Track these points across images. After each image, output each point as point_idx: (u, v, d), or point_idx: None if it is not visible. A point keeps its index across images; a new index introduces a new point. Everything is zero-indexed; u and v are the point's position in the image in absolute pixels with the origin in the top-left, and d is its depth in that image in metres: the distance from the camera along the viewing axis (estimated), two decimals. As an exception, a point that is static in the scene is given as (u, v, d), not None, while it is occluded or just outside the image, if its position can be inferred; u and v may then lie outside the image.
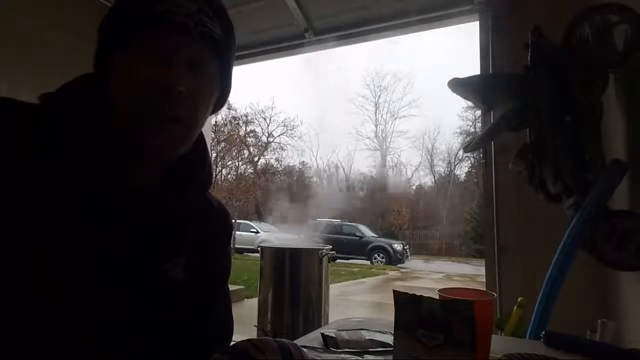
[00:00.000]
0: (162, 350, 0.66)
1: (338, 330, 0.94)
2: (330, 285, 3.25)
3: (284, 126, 22.71)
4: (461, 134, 22.52)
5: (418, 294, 0.60)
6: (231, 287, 1.31)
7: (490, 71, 2.11)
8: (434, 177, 24.44)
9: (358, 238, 14.08)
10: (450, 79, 1.59)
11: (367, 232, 14.73)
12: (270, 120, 22.66)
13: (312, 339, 0.90)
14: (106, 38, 0.64)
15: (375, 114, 24.48)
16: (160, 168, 0.68)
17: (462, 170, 23.81)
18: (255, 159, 22.69)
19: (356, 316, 1.13)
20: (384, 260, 13.36)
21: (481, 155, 2.15)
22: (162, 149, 0.63)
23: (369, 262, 13.29)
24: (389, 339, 0.87)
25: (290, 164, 24.07)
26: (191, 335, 0.70)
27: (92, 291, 0.58)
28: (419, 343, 0.58)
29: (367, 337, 0.89)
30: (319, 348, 0.85)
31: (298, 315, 2.88)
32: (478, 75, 1.99)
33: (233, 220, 1.10)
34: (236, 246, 12.51)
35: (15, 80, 2.16)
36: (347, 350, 0.83)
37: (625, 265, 1.31)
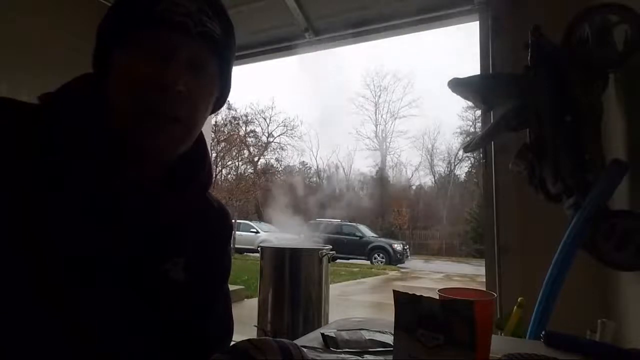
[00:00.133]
0: (162, 350, 0.66)
1: (338, 330, 0.94)
2: (330, 285, 3.25)
3: (284, 126, 22.76)
4: (461, 134, 22.55)
5: (418, 294, 0.60)
6: (231, 287, 1.31)
7: (490, 71, 2.11)
8: (434, 177, 24.48)
9: (358, 238, 14.08)
10: (450, 79, 1.59)
11: (367, 232, 14.73)
12: (270, 120, 22.70)
13: (312, 339, 0.90)
14: (105, 38, 0.64)
15: (375, 114, 24.52)
16: (160, 168, 0.68)
17: (462, 170, 23.85)
18: (255, 159, 22.71)
19: (356, 316, 1.13)
20: (384, 260, 13.36)
21: (481, 155, 2.15)
22: (162, 149, 0.63)
23: (369, 262, 13.29)
24: (389, 339, 0.87)
25: (290, 164, 24.10)
26: (191, 335, 0.70)
27: (92, 291, 0.58)
28: (419, 343, 0.58)
29: (367, 337, 0.89)
30: (319, 348, 0.85)
31: (298, 315, 2.88)
32: (478, 75, 1.99)
33: (233, 220, 1.10)
34: (236, 246, 12.51)
35: (15, 80, 2.16)
36: (347, 350, 0.83)
37: (625, 265, 1.31)
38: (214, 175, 0.83)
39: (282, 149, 23.14)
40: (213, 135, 18.54)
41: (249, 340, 0.60)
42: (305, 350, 0.64)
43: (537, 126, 1.42)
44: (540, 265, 1.34)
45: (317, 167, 24.81)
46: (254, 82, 23.27)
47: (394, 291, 0.62)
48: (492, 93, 1.62)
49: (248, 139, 22.52)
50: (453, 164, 23.65)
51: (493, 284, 2.00)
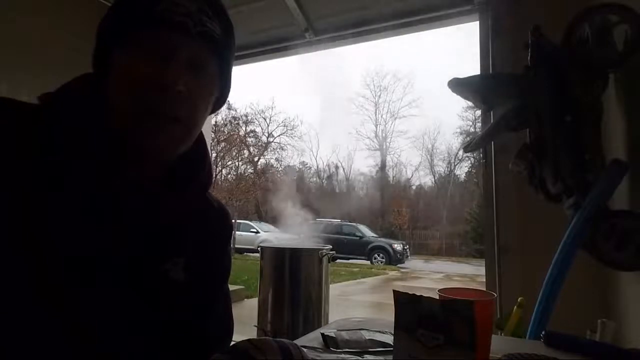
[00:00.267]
0: (162, 350, 0.66)
1: (338, 330, 0.94)
2: (330, 285, 3.25)
3: (284, 126, 22.76)
4: (461, 134, 22.55)
5: (418, 294, 0.60)
6: (231, 287, 1.31)
7: (490, 71, 2.11)
8: (434, 177, 24.48)
9: (358, 238, 14.08)
10: (450, 79, 1.59)
11: (367, 232, 14.73)
12: (270, 120, 22.70)
13: (312, 339, 0.90)
14: (105, 38, 0.64)
15: (375, 114, 24.51)
16: (160, 168, 0.68)
17: (462, 170, 23.86)
18: (255, 159, 22.71)
19: (356, 316, 1.13)
20: (384, 260, 13.36)
21: (481, 155, 2.15)
22: (162, 149, 0.63)
23: (369, 262, 13.29)
24: (389, 339, 0.87)
25: (290, 164, 24.11)
26: (191, 335, 0.70)
27: (92, 291, 0.58)
28: (419, 343, 0.58)
29: (367, 337, 0.89)
30: (319, 348, 0.85)
31: (298, 315, 2.88)
32: (478, 75, 1.99)
33: (233, 220, 1.10)
34: (236, 246, 12.51)
35: (15, 80, 2.16)
36: (347, 350, 0.83)
37: (625, 265, 1.31)
38: (214, 175, 0.83)
39: (282, 149, 23.17)
40: (213, 135, 18.54)
41: (249, 340, 0.60)
42: (305, 350, 0.64)
43: (537, 126, 1.42)
44: (540, 265, 1.34)
45: (317, 167, 24.83)
46: (254, 82, 23.29)
47: (394, 291, 0.62)
48: (492, 93, 1.62)
49: (248, 139, 22.54)
50: (453, 164, 23.67)
51: (493, 284, 2.00)
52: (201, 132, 0.71)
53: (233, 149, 21.85)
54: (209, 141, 3.14)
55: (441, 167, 24.44)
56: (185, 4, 0.61)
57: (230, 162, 22.16)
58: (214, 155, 18.78)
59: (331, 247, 3.25)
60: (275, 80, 35.87)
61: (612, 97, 1.47)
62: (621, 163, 1.29)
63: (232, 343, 0.63)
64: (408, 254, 14.55)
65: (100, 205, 0.59)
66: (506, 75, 1.72)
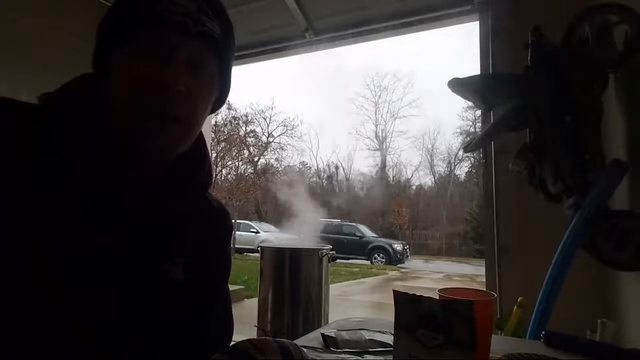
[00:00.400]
0: (162, 350, 0.66)
1: (338, 330, 0.94)
2: (330, 285, 3.25)
3: (284, 126, 22.75)
4: (461, 134, 22.55)
5: (418, 294, 0.60)
6: (231, 287, 1.31)
7: (490, 71, 2.11)
8: (434, 177, 24.48)
9: (358, 238, 14.08)
10: (450, 79, 1.59)
11: (367, 232, 14.73)
12: (270, 120, 22.69)
13: (312, 339, 0.90)
14: (105, 38, 0.64)
15: (375, 114, 24.52)
16: (160, 168, 0.68)
17: (462, 170, 23.85)
18: (255, 159, 22.71)
19: (356, 316, 1.13)
20: (384, 260, 13.36)
21: (481, 155, 2.15)
22: (162, 149, 0.63)
23: (369, 262, 13.29)
24: (389, 339, 0.87)
25: (291, 164, 24.11)
26: (191, 335, 0.70)
27: (92, 291, 0.58)
28: (419, 343, 0.58)
29: (367, 337, 0.89)
30: (319, 348, 0.85)
31: (298, 315, 2.88)
32: (478, 75, 1.99)
33: (233, 220, 1.10)
34: (236, 246, 12.51)
35: (15, 80, 2.16)
36: (347, 350, 0.83)
37: (625, 265, 1.31)
38: (214, 175, 0.83)
39: (282, 149, 23.16)
40: (213, 135, 18.53)
41: (249, 340, 0.60)
42: (305, 350, 0.64)
43: (537, 126, 1.42)
44: (540, 265, 1.34)
45: (317, 167, 24.84)
46: (254, 82, 23.29)
47: (394, 291, 0.62)
48: (492, 93, 1.62)
49: (248, 139, 22.53)
50: (453, 164, 23.67)
51: (493, 284, 2.00)
52: (201, 132, 0.71)
53: (233, 149, 21.85)
54: (209, 141, 3.15)
55: (441, 167, 24.47)
56: (184, 4, 0.61)
57: (230, 162, 22.17)
58: (214, 155, 18.77)
59: (331, 247, 3.25)
60: (275, 80, 35.91)
61: (612, 97, 1.47)
62: (621, 163, 1.29)
63: (232, 343, 0.63)
64: (408, 254, 14.54)
65: (100, 205, 0.59)
66: (506, 75, 1.72)
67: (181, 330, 0.68)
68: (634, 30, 1.27)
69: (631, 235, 1.25)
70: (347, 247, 13.13)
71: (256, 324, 2.97)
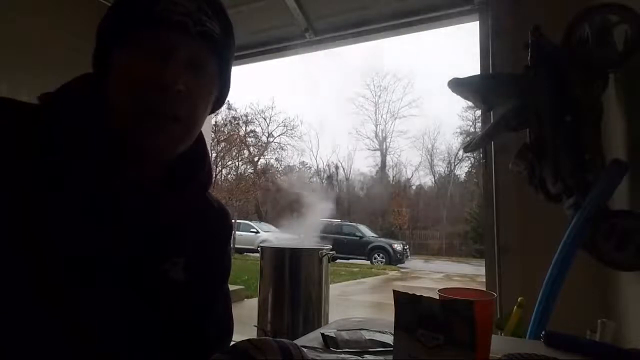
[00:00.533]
0: (162, 350, 0.66)
1: (338, 330, 0.94)
2: (330, 285, 3.25)
3: (284, 126, 22.75)
4: (461, 134, 22.56)
5: (418, 294, 0.60)
6: (231, 287, 1.31)
7: (490, 71, 2.11)
8: (434, 177, 24.48)
9: (358, 238, 14.08)
10: (450, 79, 1.59)
11: (367, 232, 14.73)
12: (270, 120, 22.69)
13: (312, 339, 0.90)
14: (105, 38, 0.64)
15: (375, 114, 24.53)
16: (160, 168, 0.68)
17: (462, 170, 23.86)
18: (255, 159, 22.70)
19: (356, 316, 1.13)
20: (384, 260, 13.36)
21: (481, 155, 2.15)
22: (161, 149, 0.63)
23: (369, 262, 13.29)
24: (389, 339, 0.87)
25: (290, 164, 24.11)
26: (191, 335, 0.70)
27: (92, 291, 0.58)
28: (419, 343, 0.58)
29: (367, 337, 0.89)
30: (319, 348, 0.85)
31: (298, 315, 2.88)
32: (478, 75, 1.99)
33: (233, 220, 1.10)
34: (236, 246, 12.51)
35: (15, 80, 2.16)
36: (347, 350, 0.83)
37: (625, 265, 1.31)
38: (213, 175, 0.83)
39: (282, 149, 23.15)
40: (213, 135, 18.52)
41: (249, 340, 0.60)
42: (305, 350, 0.64)
43: (537, 126, 1.42)
44: (540, 265, 1.34)
45: (317, 167, 24.84)
46: (254, 82, 23.29)
47: (394, 291, 0.62)
48: (492, 93, 1.62)
49: (248, 139, 22.52)
50: (453, 164, 23.67)
51: (493, 284, 2.00)
52: (201, 132, 0.71)
53: (233, 149, 21.84)
54: (209, 141, 3.15)
55: (441, 167, 24.47)
56: (184, 4, 0.61)
57: (230, 162, 22.16)
58: (214, 155, 18.76)
59: (331, 247, 3.25)
60: (275, 80, 35.92)
61: (612, 97, 1.47)
62: (621, 163, 1.29)
63: (232, 343, 0.63)
64: (408, 254, 14.54)
65: (100, 205, 0.59)
66: (506, 75, 1.72)
67: (181, 330, 0.68)
68: (634, 30, 1.27)
69: (631, 235, 1.25)
70: (347, 247, 13.12)
71: (256, 324, 2.97)
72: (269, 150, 23.04)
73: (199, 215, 0.74)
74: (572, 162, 1.34)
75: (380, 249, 13.68)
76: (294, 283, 2.91)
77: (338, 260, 11.55)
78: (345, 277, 9.60)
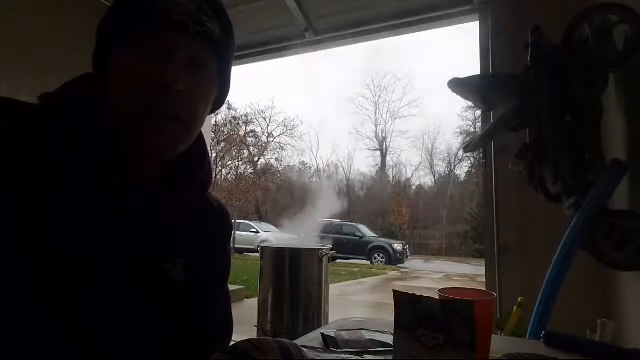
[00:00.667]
0: (162, 350, 0.66)
1: (338, 330, 0.94)
2: (330, 285, 3.25)
3: (284, 126, 22.75)
4: (461, 134, 22.57)
5: (418, 294, 0.60)
6: (231, 287, 1.31)
7: (490, 71, 2.11)
8: (434, 177, 24.49)
9: (358, 238, 14.08)
10: (450, 79, 1.59)
11: (367, 232, 14.73)
12: (270, 120, 22.69)
13: (312, 339, 0.90)
14: (105, 38, 0.64)
15: (375, 114, 24.54)
16: (160, 168, 0.68)
17: (462, 170, 23.87)
18: (255, 159, 22.69)
19: (356, 316, 1.13)
20: (384, 260, 13.36)
21: (481, 155, 2.15)
22: (161, 149, 0.63)
23: (369, 262, 13.29)
24: (389, 339, 0.87)
25: (290, 164, 24.12)
26: (191, 335, 0.70)
27: (92, 291, 0.58)
28: (419, 343, 0.58)
29: (367, 337, 0.89)
30: (319, 348, 0.85)
31: (298, 315, 2.88)
32: (478, 75, 1.99)
33: (233, 220, 1.10)
34: (236, 246, 12.51)
35: (15, 80, 2.16)
36: (347, 350, 0.83)
37: (625, 265, 1.31)
38: (213, 175, 0.83)
39: (282, 149, 23.15)
40: (213, 135, 18.50)
41: (249, 340, 0.60)
42: (305, 350, 0.64)
43: (537, 126, 1.42)
44: (540, 265, 1.34)
45: (317, 167, 24.84)
46: (254, 82, 23.30)
47: (394, 291, 0.62)
48: (492, 93, 1.62)
49: (248, 139, 22.51)
50: (453, 164, 23.68)
51: (493, 284, 2.00)
52: (201, 132, 0.71)
53: (233, 149, 21.83)
54: (209, 141, 3.15)
55: (441, 167, 24.48)
56: (184, 4, 0.61)
57: (230, 162, 22.15)
58: (214, 155, 18.75)
59: (331, 247, 3.25)
60: (275, 80, 35.92)
61: (612, 97, 1.47)
62: (621, 163, 1.29)
63: (232, 343, 0.63)
64: (408, 254, 14.54)
65: (100, 205, 0.59)
66: (506, 75, 1.72)
67: (181, 330, 0.68)
68: (634, 30, 1.27)
69: (631, 235, 1.25)
70: (347, 247, 13.12)
71: (256, 324, 2.97)
72: (269, 150, 23.06)
73: (199, 215, 0.74)
74: (572, 162, 1.34)
75: (380, 249, 13.68)
76: (294, 283, 2.91)
77: (338, 260, 11.55)
78: (345, 277, 9.60)
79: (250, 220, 16.51)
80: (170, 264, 0.66)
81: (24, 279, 0.54)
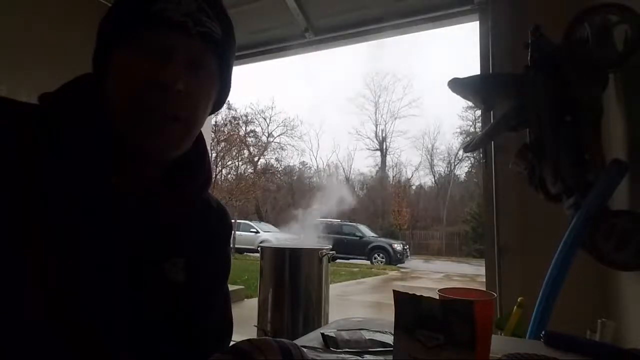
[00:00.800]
0: (162, 350, 0.66)
1: (338, 330, 0.94)
2: (330, 285, 3.25)
3: (284, 126, 22.77)
4: (461, 134, 22.59)
5: (418, 294, 0.60)
6: (231, 287, 1.31)
7: (490, 71, 2.11)
8: (434, 177, 24.51)
9: (358, 238, 14.08)
10: (450, 79, 1.59)
11: (367, 232, 14.72)
12: (270, 120, 22.71)
13: (312, 339, 0.90)
14: (105, 38, 0.64)
15: (375, 114, 24.56)
16: (160, 168, 0.68)
17: (462, 170, 23.89)
18: (255, 159, 22.69)
19: (356, 316, 1.13)
20: (384, 260, 13.36)
21: (481, 155, 2.15)
22: (161, 149, 0.63)
23: (369, 262, 13.29)
24: (389, 339, 0.87)
25: (290, 164, 24.12)
26: (191, 335, 0.70)
27: (92, 291, 0.58)
28: (419, 343, 0.58)
29: (367, 337, 0.89)
30: (319, 348, 0.85)
31: (298, 315, 2.88)
32: (478, 75, 1.99)
33: (233, 220, 1.10)
34: (236, 246, 12.51)
35: (15, 80, 2.16)
36: (347, 350, 0.83)
37: (625, 265, 1.31)
38: (213, 175, 0.83)
39: (282, 149, 23.17)
40: (213, 135, 18.47)
41: (249, 340, 0.60)
42: (305, 350, 0.64)
43: (537, 126, 1.42)
44: (540, 265, 1.34)
45: (317, 167, 24.84)
46: (254, 82, 23.28)
47: (394, 291, 0.62)
48: (492, 93, 1.62)
49: (248, 139, 22.50)
50: (453, 164, 23.70)
51: (493, 284, 2.00)
52: (200, 132, 0.71)
53: (233, 149, 21.80)
54: (208, 141, 3.15)
55: (441, 167, 24.50)
56: (185, 4, 0.61)
57: (230, 162, 22.12)
58: (214, 155, 18.73)
59: (331, 247, 3.25)
60: (275, 80, 35.92)
61: (612, 97, 1.47)
62: (621, 163, 1.29)
63: (232, 343, 0.63)
64: (408, 254, 14.54)
65: (100, 205, 0.59)
66: (506, 75, 1.72)
67: (181, 330, 0.68)
68: (634, 30, 1.27)
69: (631, 235, 1.25)
70: (347, 247, 13.12)
71: (256, 324, 2.97)
72: (269, 150, 23.06)
73: (198, 215, 0.74)
74: (572, 162, 1.34)
75: (380, 248, 13.68)
76: (294, 283, 2.91)
77: (338, 260, 11.55)
78: (345, 277, 9.60)
79: (250, 220, 16.51)
80: (170, 264, 0.66)
81: (23, 279, 0.54)
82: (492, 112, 1.82)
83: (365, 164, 30.73)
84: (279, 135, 22.90)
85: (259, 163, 22.67)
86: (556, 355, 0.74)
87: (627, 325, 1.43)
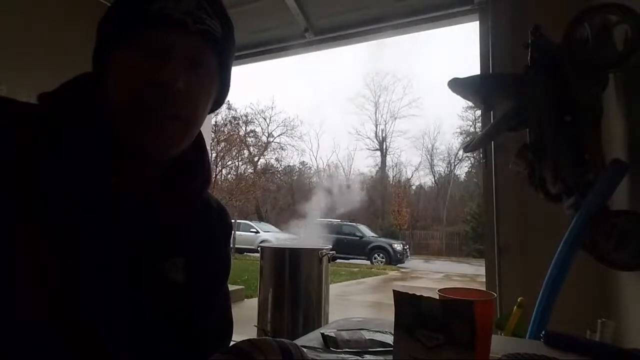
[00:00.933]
0: (162, 350, 0.66)
1: (338, 330, 0.94)
2: (330, 285, 3.25)
3: (284, 126, 22.76)
4: (461, 134, 22.58)
5: (418, 294, 0.60)
6: (231, 287, 1.31)
7: (490, 71, 2.11)
8: (434, 177, 24.50)
9: (358, 238, 14.08)
10: (450, 79, 1.59)
11: (367, 232, 14.72)
12: (270, 120, 22.70)
13: (312, 339, 0.90)
14: (105, 37, 0.64)
15: (375, 114, 24.54)
16: (159, 168, 0.68)
17: (462, 170, 23.89)
18: (255, 159, 22.68)
19: (356, 316, 1.13)
20: (384, 260, 13.36)
21: (481, 155, 2.15)
22: (161, 148, 0.63)
23: (369, 262, 13.29)
24: (389, 339, 0.87)
25: (291, 164, 24.12)
26: (191, 335, 0.70)
27: (92, 291, 0.58)
28: (419, 343, 0.58)
29: (367, 337, 0.89)
30: (319, 348, 0.85)
31: (298, 315, 2.88)
32: (478, 75, 1.99)
33: (233, 220, 1.10)
34: (236, 246, 12.51)
35: (15, 80, 2.16)
36: (347, 350, 0.83)
37: (625, 265, 1.31)
38: (213, 175, 0.83)
39: (282, 149, 23.16)
40: (213, 135, 18.46)
41: (249, 340, 0.60)
42: (305, 350, 0.64)
43: (537, 126, 1.42)
44: (540, 265, 1.34)
45: (317, 167, 24.85)
46: (254, 82, 23.27)
47: (394, 291, 0.62)
48: (492, 93, 1.62)
49: (248, 139, 22.48)
50: (453, 164, 23.69)
51: (493, 284, 2.00)
52: (200, 132, 0.71)
53: (233, 149, 21.79)
54: (208, 141, 3.15)
55: (441, 167, 24.49)
56: (184, 2, 0.61)
57: (230, 162, 22.11)
58: (214, 155, 18.72)
59: (331, 247, 3.25)
60: (275, 80, 35.91)
61: (612, 97, 1.47)
62: (621, 163, 1.29)
63: (232, 343, 0.63)
64: (408, 254, 14.54)
65: (100, 205, 0.59)
66: (506, 75, 1.72)
67: (181, 330, 0.68)
68: (634, 30, 1.27)
69: (631, 235, 1.25)
70: (347, 247, 13.12)
71: (256, 324, 2.97)
72: (269, 150, 23.05)
73: (198, 215, 0.74)
74: (572, 162, 1.34)
75: (380, 248, 13.68)
76: (294, 283, 2.91)
77: (338, 260, 11.55)
78: (345, 277, 9.60)
79: (250, 220, 16.52)
80: (169, 264, 0.66)
81: (23, 279, 0.54)
82: (492, 112, 1.82)
83: (365, 164, 30.72)
84: (279, 135, 22.92)
85: (259, 163, 22.68)
86: (556, 355, 0.74)
87: (627, 325, 1.43)
